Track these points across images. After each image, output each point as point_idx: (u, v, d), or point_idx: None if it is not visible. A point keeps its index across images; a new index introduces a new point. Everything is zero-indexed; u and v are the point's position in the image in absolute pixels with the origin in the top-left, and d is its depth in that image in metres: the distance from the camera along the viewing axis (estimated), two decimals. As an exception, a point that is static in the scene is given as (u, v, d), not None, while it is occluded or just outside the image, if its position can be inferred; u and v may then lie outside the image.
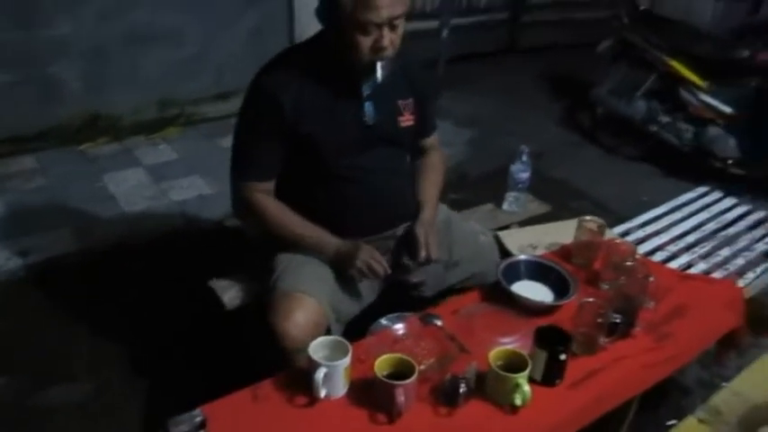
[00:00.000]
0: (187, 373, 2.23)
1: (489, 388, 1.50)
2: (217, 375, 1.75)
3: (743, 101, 3.65)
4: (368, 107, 1.77)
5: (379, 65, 1.69)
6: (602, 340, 1.66)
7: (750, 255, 2.23)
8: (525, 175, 2.51)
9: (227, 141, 3.78)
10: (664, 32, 3.90)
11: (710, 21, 5.57)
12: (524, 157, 2.50)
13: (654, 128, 3.98)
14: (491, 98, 4.99)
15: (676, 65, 3.78)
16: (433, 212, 1.92)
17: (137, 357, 2.32)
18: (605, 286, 1.83)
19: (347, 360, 1.46)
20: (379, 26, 1.59)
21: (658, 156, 4.09)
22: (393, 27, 1.62)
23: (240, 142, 1.81)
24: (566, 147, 4.39)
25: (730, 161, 3.62)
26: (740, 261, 2.19)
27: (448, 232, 2.02)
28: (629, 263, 1.82)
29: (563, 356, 1.52)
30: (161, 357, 2.32)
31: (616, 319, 1.65)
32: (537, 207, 2.62)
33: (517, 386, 1.44)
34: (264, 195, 1.79)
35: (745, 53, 3.66)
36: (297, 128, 1.70)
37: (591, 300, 1.66)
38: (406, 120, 1.87)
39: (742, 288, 2.03)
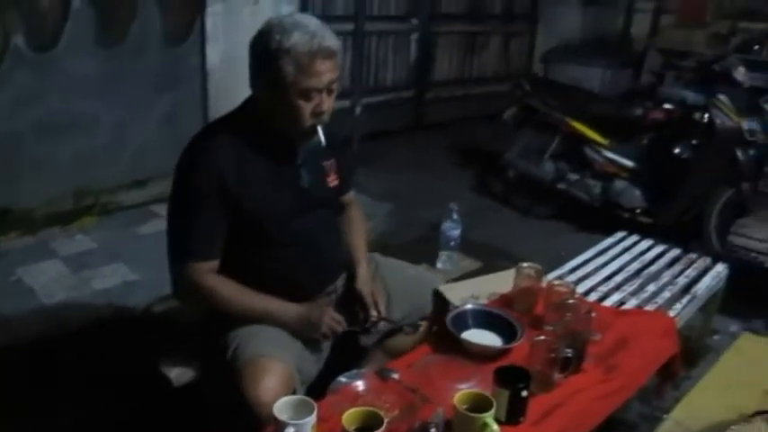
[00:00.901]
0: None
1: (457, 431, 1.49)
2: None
3: (642, 155, 3.95)
4: (303, 172, 1.80)
5: (319, 129, 1.71)
6: (557, 376, 1.70)
7: (674, 288, 2.37)
8: (456, 233, 2.59)
9: (147, 228, 3.84)
10: (563, 96, 4.20)
11: (600, 87, 6.07)
12: (454, 215, 2.58)
13: (564, 186, 4.21)
14: (405, 172, 5.13)
15: (578, 125, 4.06)
16: (367, 267, 1.96)
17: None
18: (549, 327, 1.88)
19: (313, 417, 1.42)
20: (320, 91, 1.64)
21: (569, 213, 4.31)
22: (330, 92, 1.68)
23: (178, 220, 1.75)
24: (482, 211, 4.55)
25: (638, 211, 3.86)
26: (666, 294, 2.31)
27: (376, 272, 2.04)
28: (570, 301, 1.89)
29: (524, 393, 1.55)
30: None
31: (568, 353, 1.70)
32: (469, 264, 2.70)
33: (485, 426, 1.45)
34: (212, 275, 1.71)
35: (638, 111, 3.99)
36: (240, 199, 1.67)
37: (542, 338, 1.71)
38: (333, 180, 1.92)
39: (674, 318, 2.14)
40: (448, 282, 2.54)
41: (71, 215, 3.80)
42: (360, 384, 1.68)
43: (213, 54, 4.25)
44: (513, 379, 1.56)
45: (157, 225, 3.86)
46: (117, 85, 3.90)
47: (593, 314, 1.86)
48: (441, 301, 2.12)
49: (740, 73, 3.58)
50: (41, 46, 3.52)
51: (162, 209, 4.08)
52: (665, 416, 2.38)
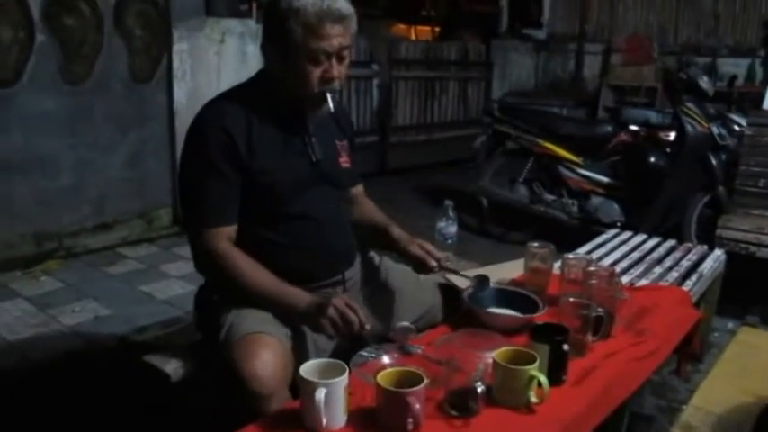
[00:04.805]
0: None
1: (499, 391, 1.38)
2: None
3: (616, 169, 3.99)
4: (315, 144, 1.73)
5: (329, 96, 1.66)
6: (590, 338, 1.61)
7: (680, 269, 2.33)
8: (453, 230, 2.49)
9: (117, 269, 3.64)
10: (532, 120, 4.24)
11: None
12: (450, 212, 2.49)
13: (541, 208, 4.21)
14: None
15: (550, 146, 4.09)
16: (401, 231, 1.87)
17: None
18: (570, 298, 1.80)
19: (345, 377, 1.29)
20: (329, 56, 1.60)
21: (546, 235, 4.27)
22: (341, 59, 1.63)
23: (190, 187, 1.66)
24: (457, 243, 4.48)
25: (618, 224, 3.86)
26: (674, 274, 2.27)
27: (387, 276, 1.95)
28: (591, 268, 1.82)
29: (566, 347, 1.45)
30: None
31: (600, 312, 1.61)
32: (467, 264, 2.59)
33: (531, 379, 1.34)
34: (227, 242, 1.62)
35: (608, 128, 4.06)
36: (250, 163, 1.61)
37: (571, 298, 1.63)
38: (345, 161, 1.85)
39: (688, 291, 2.09)
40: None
41: (33, 259, 3.59)
42: (385, 358, 1.56)
43: (180, 93, 4.19)
44: (551, 336, 1.46)
45: (127, 266, 3.69)
46: (81, 123, 3.79)
47: (615, 278, 1.78)
48: (449, 290, 2.02)
49: (704, 81, 3.68)
50: (3, 81, 3.40)
51: (130, 251, 3.93)
52: (683, 406, 2.34)
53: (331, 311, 1.52)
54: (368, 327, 1.52)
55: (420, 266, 1.79)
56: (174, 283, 3.38)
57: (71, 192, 3.82)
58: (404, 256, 1.82)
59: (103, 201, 3.97)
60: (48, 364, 2.55)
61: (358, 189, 2.02)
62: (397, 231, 1.85)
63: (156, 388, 1.72)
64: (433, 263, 1.75)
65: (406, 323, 1.68)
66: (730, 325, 3.06)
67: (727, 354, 2.60)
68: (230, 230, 1.63)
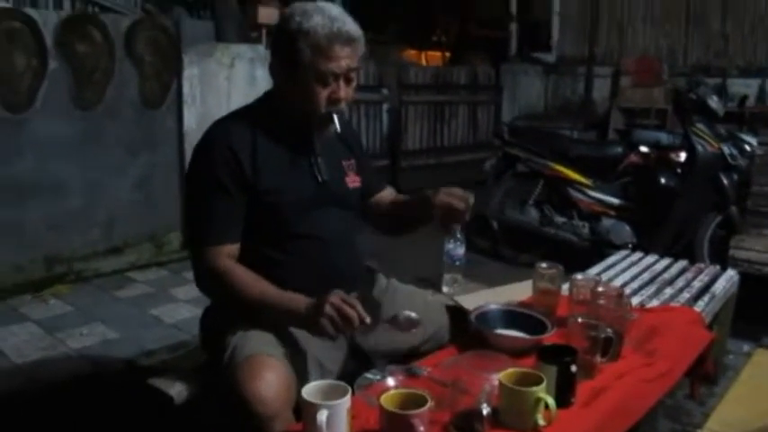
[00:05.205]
0: None
1: (506, 414, 1.35)
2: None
3: (627, 191, 3.97)
4: (321, 164, 1.73)
5: (335, 116, 1.67)
6: (599, 360, 1.58)
7: (692, 290, 2.28)
8: (461, 252, 2.45)
9: (126, 293, 3.64)
10: (542, 142, 4.24)
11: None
12: (457, 234, 2.47)
13: (551, 230, 4.18)
14: (382, 237, 5.04)
15: (560, 168, 4.08)
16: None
17: None
18: (579, 319, 1.77)
19: (348, 399, 1.27)
20: (337, 77, 1.61)
21: (557, 257, 4.23)
22: (349, 80, 1.64)
23: (194, 204, 1.66)
24: (470, 267, 4.44)
25: (629, 246, 3.82)
26: (686, 295, 2.23)
27: (394, 297, 1.92)
28: (600, 288, 1.79)
29: (573, 368, 1.42)
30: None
31: (609, 332, 1.58)
32: (476, 287, 2.57)
33: (538, 401, 1.31)
34: (229, 260, 1.61)
35: (618, 149, 4.04)
36: (255, 182, 1.62)
37: (580, 319, 1.60)
38: (353, 181, 1.84)
39: (700, 312, 2.05)
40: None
41: (43, 283, 3.60)
42: (389, 381, 1.53)
43: (190, 117, 4.22)
44: (558, 357, 1.43)
45: (136, 290, 3.70)
46: (91, 147, 3.82)
47: (625, 299, 1.75)
48: (456, 311, 2.00)
49: (714, 101, 3.67)
50: (16, 106, 3.44)
51: (139, 275, 3.93)
52: (698, 430, 2.29)
53: (328, 309, 1.49)
54: (368, 320, 1.48)
55: (446, 215, 1.74)
56: (182, 307, 3.37)
57: (81, 216, 3.84)
58: (430, 207, 1.75)
59: (114, 225, 3.99)
60: (54, 387, 2.55)
61: (384, 194, 2.00)
62: (427, 192, 1.78)
63: (160, 411, 1.71)
64: (460, 206, 1.71)
65: (410, 313, 1.65)
66: (746, 347, 3.00)
67: (742, 376, 2.56)
68: (232, 249, 1.63)
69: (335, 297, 1.51)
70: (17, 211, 3.54)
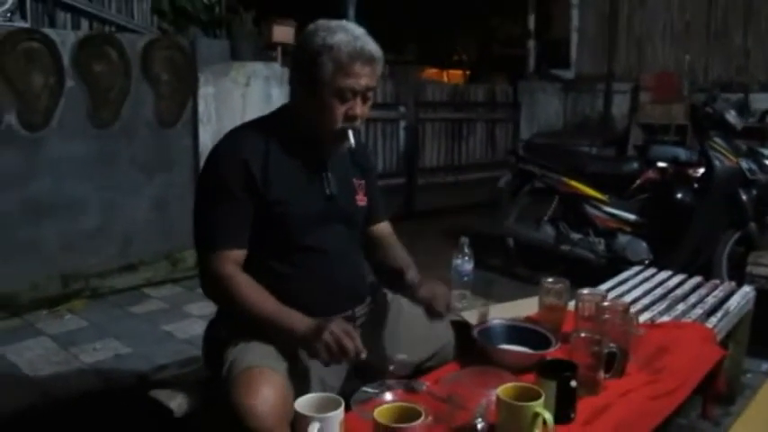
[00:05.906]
0: None
1: (503, 429, 1.32)
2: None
3: (643, 207, 3.91)
4: (331, 181, 1.75)
5: (350, 133, 1.68)
6: (602, 376, 1.54)
7: (705, 306, 2.24)
8: (469, 267, 2.43)
9: (140, 309, 3.66)
10: (557, 158, 4.20)
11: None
12: (466, 249, 2.45)
13: (567, 247, 4.12)
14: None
15: (576, 184, 4.03)
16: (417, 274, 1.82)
17: None
18: (582, 334, 1.74)
19: (340, 412, 1.25)
20: (355, 95, 1.63)
21: (573, 275, 4.18)
22: (365, 99, 1.66)
23: (202, 210, 1.68)
24: (485, 286, 4.40)
25: (646, 262, 3.76)
26: (698, 311, 2.18)
27: (399, 316, 1.90)
28: (605, 303, 1.76)
29: (573, 383, 1.39)
30: None
31: (612, 348, 1.55)
32: (483, 305, 2.54)
33: (536, 416, 1.28)
34: (234, 266, 1.62)
35: (635, 165, 3.99)
36: (265, 192, 1.63)
37: (583, 334, 1.57)
38: (361, 199, 1.85)
39: (712, 329, 2.00)
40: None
41: (59, 299, 3.63)
42: (387, 396, 1.52)
43: (205, 136, 4.25)
44: (558, 372, 1.41)
45: (151, 305, 3.72)
46: (107, 166, 3.86)
47: (630, 314, 1.72)
48: (461, 326, 1.97)
49: (732, 116, 3.61)
50: (33, 125, 3.50)
51: (154, 291, 3.95)
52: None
53: (326, 336, 1.49)
54: (363, 355, 1.48)
55: (427, 311, 1.73)
56: (195, 323, 3.37)
57: (98, 233, 3.88)
58: (414, 300, 1.77)
59: (129, 242, 4.02)
60: (65, 401, 2.56)
61: (381, 228, 1.99)
62: (411, 275, 1.80)
63: (160, 423, 1.70)
64: (441, 308, 1.70)
65: (402, 356, 1.64)
66: (765, 366, 2.92)
67: (759, 396, 2.47)
68: (238, 254, 1.64)
69: (336, 326, 1.51)
70: (35, 230, 3.58)
